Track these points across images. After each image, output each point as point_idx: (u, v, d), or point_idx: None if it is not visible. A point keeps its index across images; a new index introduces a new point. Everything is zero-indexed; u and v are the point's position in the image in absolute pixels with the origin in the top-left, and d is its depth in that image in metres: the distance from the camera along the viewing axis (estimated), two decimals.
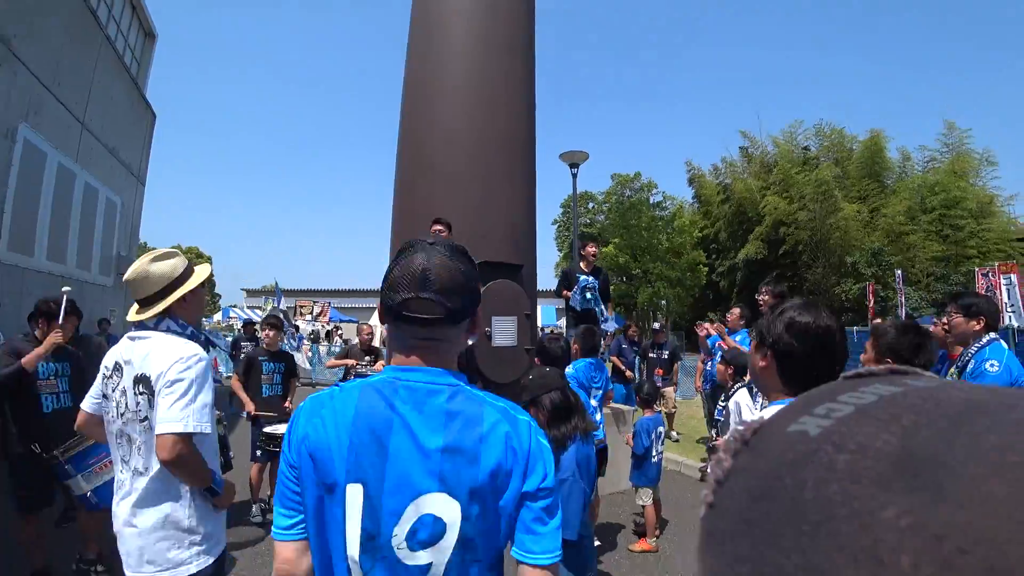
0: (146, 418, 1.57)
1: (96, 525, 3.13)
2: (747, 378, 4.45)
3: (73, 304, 3.38)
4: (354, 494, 0.91)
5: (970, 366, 2.51)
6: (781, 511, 0.19)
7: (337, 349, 16.62)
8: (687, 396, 9.79)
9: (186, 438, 1.52)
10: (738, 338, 5.35)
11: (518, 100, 5.89)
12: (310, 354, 15.44)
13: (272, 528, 1.02)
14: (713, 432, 3.95)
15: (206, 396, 1.59)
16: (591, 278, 5.35)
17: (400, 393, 0.95)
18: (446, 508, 0.90)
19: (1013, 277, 10.18)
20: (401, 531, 0.90)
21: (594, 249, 5.53)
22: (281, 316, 13.24)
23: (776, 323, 1.26)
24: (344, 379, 5.83)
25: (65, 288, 3.13)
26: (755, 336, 1.32)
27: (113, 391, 1.63)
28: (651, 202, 25.26)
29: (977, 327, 2.57)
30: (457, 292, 0.96)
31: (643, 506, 3.95)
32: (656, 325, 6.70)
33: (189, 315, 1.75)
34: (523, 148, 5.89)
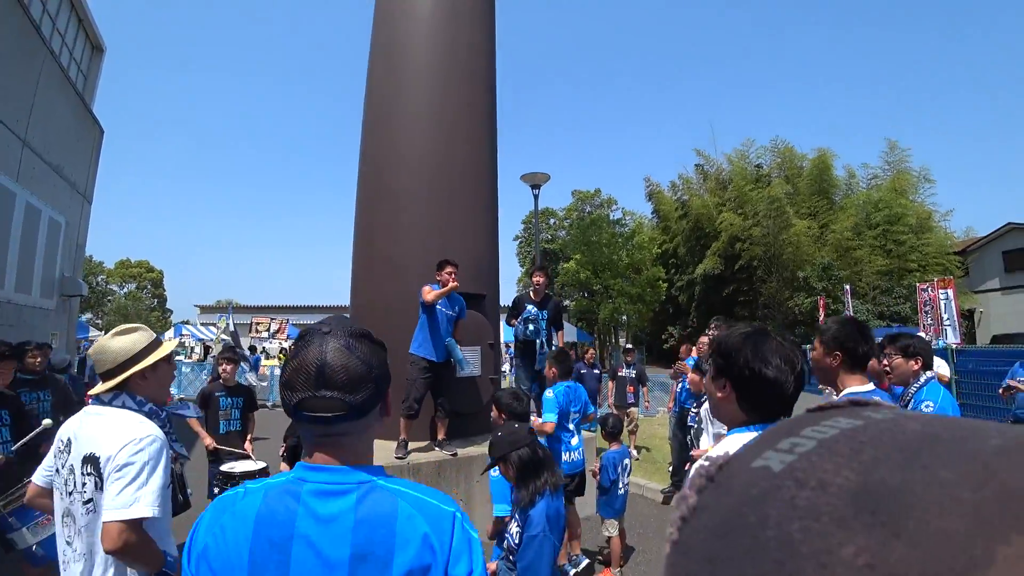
0: (91, 500, 1.49)
1: None
2: (702, 339, 4.68)
3: (8, 347, 3.20)
4: None
5: (910, 406, 2.66)
6: (744, 548, 0.19)
7: None
8: (650, 414, 9.94)
9: (134, 525, 1.44)
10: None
11: (479, 129, 5.92)
12: (266, 373, 14.96)
13: None
14: (690, 440, 4.08)
15: (158, 479, 1.52)
16: (535, 309, 5.38)
17: (303, 498, 0.89)
18: None
19: (950, 292, 10.75)
20: None
21: (540, 279, 5.53)
22: (234, 342, 12.79)
23: (733, 354, 1.24)
24: None
25: None
26: (711, 366, 1.30)
27: (63, 467, 1.56)
28: (611, 218, 25.74)
29: (915, 367, 2.72)
30: (357, 385, 0.90)
31: (608, 538, 3.99)
32: (628, 346, 6.87)
33: (150, 391, 1.69)
34: (484, 176, 5.92)
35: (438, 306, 4.50)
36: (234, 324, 14.02)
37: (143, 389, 1.66)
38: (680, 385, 6.08)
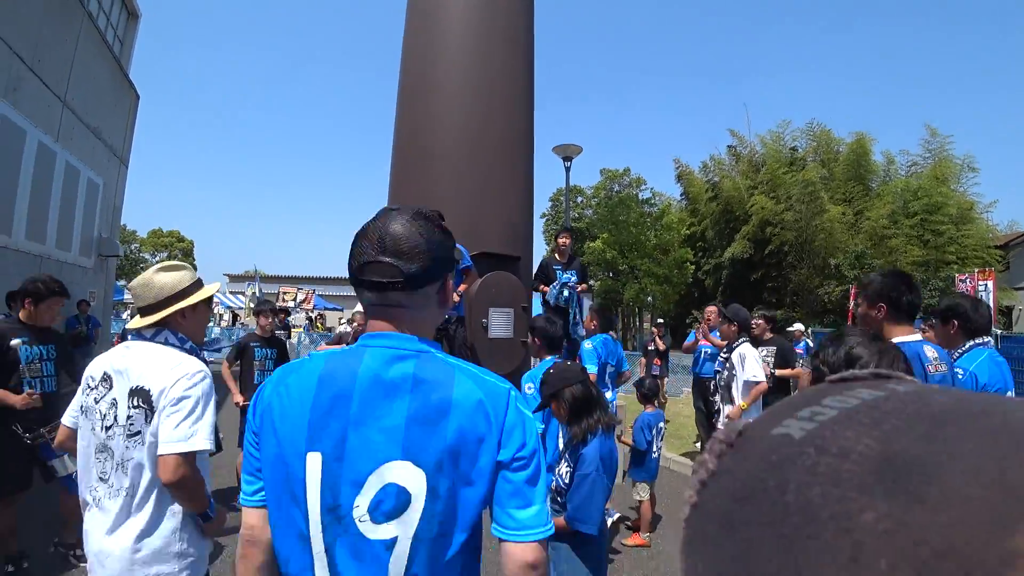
0: (139, 432, 1.48)
1: (77, 508, 3.04)
2: (755, 322, 4.88)
3: (59, 284, 3.26)
4: (314, 463, 0.87)
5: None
6: (763, 513, 0.19)
7: (318, 336, 16.51)
8: (675, 395, 9.86)
9: (190, 458, 1.46)
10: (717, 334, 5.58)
11: (517, 92, 5.81)
12: (293, 341, 15.25)
13: (240, 495, 1.00)
14: (714, 386, 4.16)
15: (211, 414, 1.52)
16: (571, 276, 5.32)
17: (365, 360, 0.92)
18: (411, 478, 0.85)
19: (990, 284, 10.39)
20: (363, 502, 0.85)
21: (566, 239, 5.51)
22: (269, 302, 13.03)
23: (840, 356, 1.22)
24: None
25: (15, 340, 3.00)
26: (812, 369, 1.30)
27: (97, 402, 1.54)
28: (640, 198, 25.34)
29: (951, 331, 2.54)
30: (415, 256, 0.92)
31: (640, 501, 3.95)
32: (659, 320, 6.94)
33: (189, 330, 1.68)
34: (521, 140, 5.83)
35: None
36: (261, 292, 14.23)
37: (183, 327, 1.65)
38: (697, 355, 6.15)
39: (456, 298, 4.39)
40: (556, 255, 5.55)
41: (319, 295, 22.68)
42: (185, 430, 1.45)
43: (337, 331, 7.00)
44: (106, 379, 1.54)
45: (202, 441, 1.47)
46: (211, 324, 22.31)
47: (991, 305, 10.17)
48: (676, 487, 5.29)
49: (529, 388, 2.56)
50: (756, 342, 4.89)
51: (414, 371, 0.91)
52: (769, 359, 4.74)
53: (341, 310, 25.19)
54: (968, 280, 10.90)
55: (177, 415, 1.45)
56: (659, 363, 7.96)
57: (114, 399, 1.51)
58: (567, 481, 2.06)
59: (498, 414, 0.90)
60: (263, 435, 0.94)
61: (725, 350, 3.89)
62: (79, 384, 3.37)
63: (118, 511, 1.48)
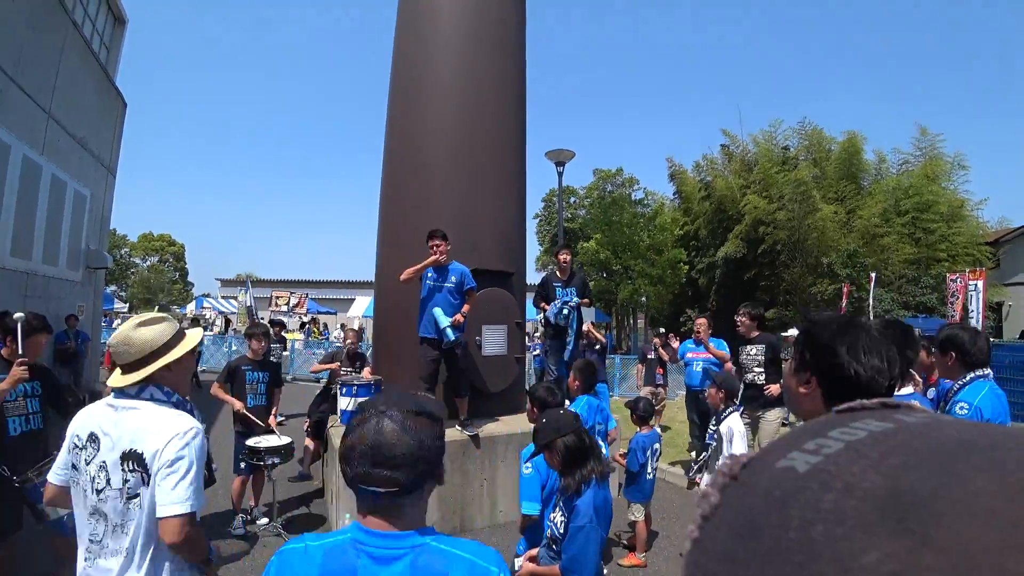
0: (137, 495, 1.47)
1: (70, 550, 2.99)
2: (739, 320, 4.67)
3: (43, 320, 3.19)
4: None
5: (948, 405, 2.48)
6: (765, 550, 0.19)
7: (312, 345, 16.40)
8: (670, 397, 9.87)
9: (191, 517, 1.47)
10: (712, 344, 5.55)
11: (508, 100, 5.77)
12: (286, 353, 15.14)
13: None
14: (705, 454, 3.97)
15: (202, 469, 1.54)
16: (571, 296, 5.30)
17: (362, 562, 0.95)
18: None
19: (980, 284, 10.38)
20: None
21: (566, 257, 5.49)
22: (250, 316, 12.85)
23: (822, 346, 1.14)
24: (328, 383, 5.70)
25: (17, 315, 2.94)
26: (794, 359, 1.22)
27: (87, 464, 1.52)
28: (633, 198, 25.34)
29: (949, 362, 2.51)
30: (411, 465, 0.97)
31: (634, 521, 3.94)
32: (661, 330, 6.99)
33: (173, 382, 1.65)
34: (513, 151, 5.78)
35: (426, 280, 4.39)
36: (252, 298, 14.11)
37: (167, 380, 1.62)
38: (687, 367, 6.17)
39: (460, 319, 4.36)
40: (557, 272, 5.53)
41: (312, 299, 22.53)
42: (183, 491, 1.45)
43: (331, 350, 6.92)
44: (93, 439, 1.52)
45: (199, 500, 1.49)
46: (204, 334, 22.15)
47: (980, 304, 10.23)
48: (670, 499, 5.29)
49: (527, 468, 2.52)
50: (743, 340, 4.80)
51: (410, 569, 0.95)
52: (760, 356, 4.65)
53: (335, 313, 25.07)
54: (959, 279, 10.92)
55: (174, 476, 1.45)
56: (661, 372, 7.94)
57: (103, 462, 1.49)
58: (561, 531, 2.04)
59: None
60: None
61: (714, 421, 3.76)
62: (67, 418, 3.30)
63: (117, 572, 1.47)
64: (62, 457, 1.61)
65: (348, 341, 6.25)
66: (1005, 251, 18.98)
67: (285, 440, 4.26)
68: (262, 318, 14.42)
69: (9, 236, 7.32)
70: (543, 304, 5.43)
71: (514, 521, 4.21)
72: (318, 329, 21.61)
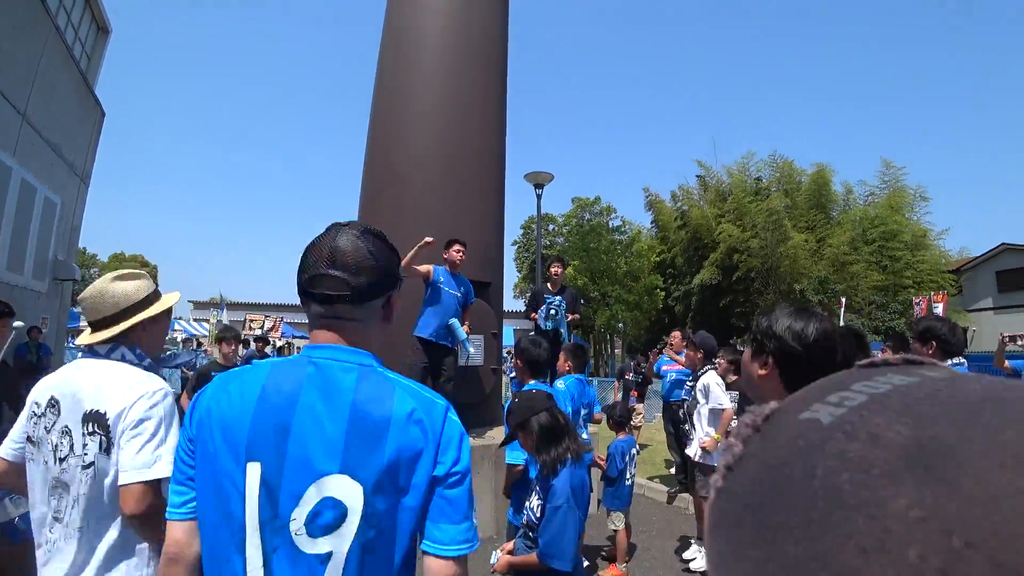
0: (92, 464, 1.32)
1: (20, 558, 2.81)
2: (717, 361, 4.74)
3: (6, 305, 3.07)
4: (253, 474, 0.86)
5: None
6: (791, 499, 0.19)
7: None
8: (648, 419, 9.86)
9: (156, 487, 1.30)
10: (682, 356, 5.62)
11: (490, 116, 5.86)
12: None
13: (167, 507, 0.94)
14: (683, 414, 4.14)
15: (174, 436, 1.36)
16: (557, 298, 5.34)
17: (308, 370, 0.92)
18: (348, 491, 0.85)
19: (941, 306, 10.99)
20: (300, 515, 0.84)
21: (558, 269, 5.55)
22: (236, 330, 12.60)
23: (775, 328, 1.23)
24: None
25: None
26: (752, 344, 1.30)
27: (48, 431, 1.36)
28: (610, 226, 25.75)
29: (928, 352, 2.62)
30: (363, 271, 0.95)
31: (615, 530, 3.88)
32: (639, 357, 7.10)
33: (148, 344, 1.52)
34: (493, 164, 5.85)
35: (441, 285, 4.42)
36: (228, 320, 13.80)
37: (140, 341, 1.49)
38: (662, 380, 6.29)
39: (468, 331, 4.46)
40: (548, 284, 5.58)
41: (287, 323, 22.09)
42: (148, 455, 1.30)
43: None
44: (53, 404, 1.38)
45: (167, 466, 1.31)
46: (174, 351, 21.55)
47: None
48: (651, 513, 5.24)
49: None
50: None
51: (355, 385, 0.91)
52: (733, 404, 4.66)
53: (309, 339, 24.66)
54: (921, 302, 11.42)
55: (138, 439, 1.31)
56: (636, 395, 8.00)
57: (66, 427, 1.34)
58: (538, 515, 1.98)
59: (435, 428, 0.91)
60: (199, 443, 0.91)
61: (691, 378, 3.89)
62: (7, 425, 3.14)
63: (75, 552, 1.31)
64: (17, 429, 1.45)
65: None
66: (967, 278, 19.78)
67: None
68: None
69: None
70: (533, 315, 5.44)
71: (491, 537, 4.12)
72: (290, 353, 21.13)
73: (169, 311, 1.58)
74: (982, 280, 20.11)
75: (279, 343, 21.15)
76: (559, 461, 1.97)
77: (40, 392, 1.43)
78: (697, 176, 25.80)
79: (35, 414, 1.40)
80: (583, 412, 3.87)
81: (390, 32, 5.98)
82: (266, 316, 21.98)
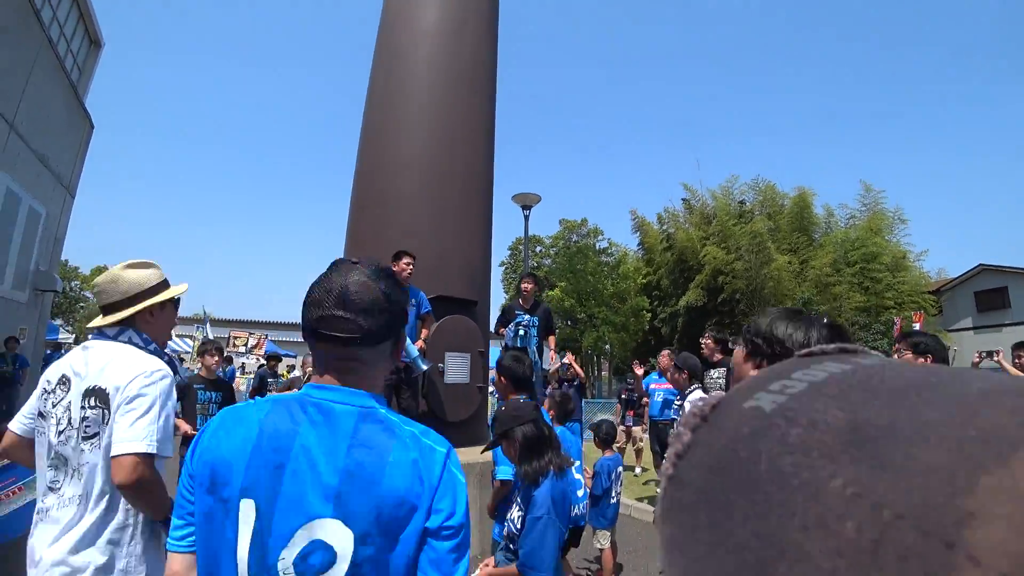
0: (96, 435, 1.38)
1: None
2: (703, 342, 4.87)
3: None
4: (247, 511, 0.86)
5: None
6: (737, 482, 0.20)
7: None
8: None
9: (148, 459, 1.36)
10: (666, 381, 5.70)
11: (478, 138, 5.95)
12: (243, 388, 14.55)
13: (168, 539, 0.96)
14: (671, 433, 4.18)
15: (169, 417, 1.44)
16: (527, 316, 5.32)
17: (308, 411, 0.92)
18: (338, 536, 0.84)
19: (917, 325, 11.44)
20: (289, 555, 0.84)
21: (528, 285, 5.49)
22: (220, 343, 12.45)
23: (776, 333, 1.26)
24: None
25: None
26: (746, 345, 1.33)
27: (54, 406, 1.44)
28: (597, 248, 25.97)
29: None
30: (375, 313, 0.94)
31: (600, 550, 3.87)
32: (639, 372, 7.04)
33: (155, 331, 1.60)
34: (480, 184, 5.92)
35: None
36: (211, 336, 13.63)
37: (148, 328, 1.57)
38: (650, 400, 6.37)
39: (422, 345, 4.37)
40: (519, 300, 5.52)
41: (271, 340, 21.84)
42: (141, 429, 1.35)
43: (288, 377, 6.72)
44: (64, 382, 1.45)
45: (159, 443, 1.38)
46: None
47: None
48: (637, 533, 5.21)
49: None
50: (707, 364, 4.93)
51: (354, 428, 0.91)
52: (721, 380, 4.73)
53: (294, 356, 24.31)
54: (897, 323, 11.83)
55: (132, 413, 1.36)
56: (632, 414, 8.01)
57: (69, 403, 1.42)
58: (519, 526, 1.97)
59: (432, 478, 0.90)
60: (199, 479, 0.92)
61: (679, 398, 3.94)
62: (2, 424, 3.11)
63: (67, 520, 1.36)
64: (29, 404, 1.53)
65: (309, 370, 6.09)
66: (946, 299, 20.20)
67: None
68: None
69: None
70: (501, 329, 5.43)
71: (478, 556, 4.07)
72: (287, 372, 20.85)
73: (176, 301, 1.67)
74: (961, 300, 20.55)
75: (262, 360, 20.93)
76: (541, 473, 1.98)
77: (53, 370, 1.51)
78: (683, 199, 26.16)
79: (46, 391, 1.48)
80: (576, 464, 3.83)
81: (381, 54, 6.08)
82: (250, 333, 21.73)
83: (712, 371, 4.80)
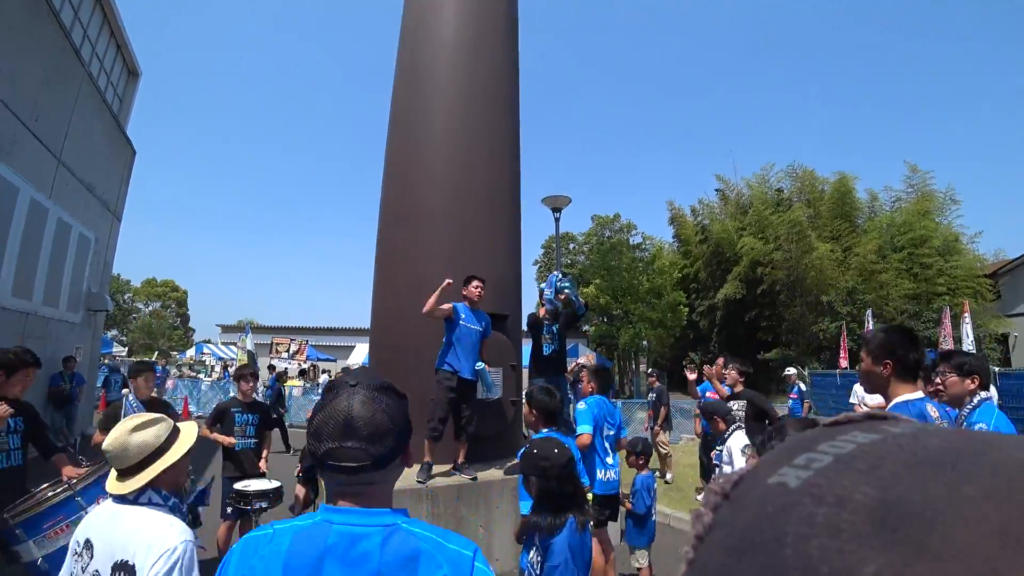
0: None
1: None
2: (726, 372, 4.77)
3: (32, 355, 3.19)
4: None
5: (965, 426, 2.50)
6: (761, 567, 0.19)
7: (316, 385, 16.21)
8: (673, 440, 9.66)
9: None
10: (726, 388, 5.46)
11: (502, 149, 5.91)
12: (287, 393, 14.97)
13: None
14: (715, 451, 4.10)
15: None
16: (557, 277, 5.40)
17: (331, 540, 0.92)
18: None
19: (967, 315, 10.85)
20: None
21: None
22: (251, 362, 12.86)
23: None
24: None
25: None
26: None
27: (83, 571, 1.50)
28: (631, 243, 25.58)
29: (971, 386, 2.55)
30: (382, 437, 0.95)
31: (638, 568, 3.79)
32: (650, 371, 6.84)
33: (170, 482, 1.66)
34: (507, 196, 5.88)
35: (462, 321, 4.41)
36: (253, 343, 14.06)
37: (165, 482, 1.63)
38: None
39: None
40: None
41: (312, 346, 22.39)
42: None
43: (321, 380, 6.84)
44: (88, 546, 1.52)
45: None
46: (201, 376, 21.99)
47: (968, 334, 10.58)
48: (678, 545, 5.10)
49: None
50: (730, 395, 4.81)
51: (379, 549, 0.91)
52: (741, 412, 4.62)
53: (335, 360, 24.89)
54: (944, 313, 11.31)
55: None
56: (651, 414, 7.80)
57: (96, 571, 1.48)
58: (537, 572, 1.97)
59: None
60: None
61: (719, 442, 3.82)
62: (49, 456, 3.21)
63: None
64: (67, 566, 1.61)
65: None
66: (1005, 282, 18.93)
67: (274, 484, 4.15)
68: (258, 367, 14.35)
69: (11, 276, 7.38)
70: (541, 309, 5.44)
71: (510, 572, 4.05)
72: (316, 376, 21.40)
73: (189, 452, 1.72)
74: (1022, 283, 19.26)
75: (304, 365, 21.49)
76: (556, 529, 1.95)
77: (80, 531, 1.59)
78: (716, 190, 25.54)
79: (75, 552, 1.56)
80: (608, 433, 3.81)
81: (402, 69, 6.11)
82: (292, 339, 22.31)
83: (732, 403, 4.65)
